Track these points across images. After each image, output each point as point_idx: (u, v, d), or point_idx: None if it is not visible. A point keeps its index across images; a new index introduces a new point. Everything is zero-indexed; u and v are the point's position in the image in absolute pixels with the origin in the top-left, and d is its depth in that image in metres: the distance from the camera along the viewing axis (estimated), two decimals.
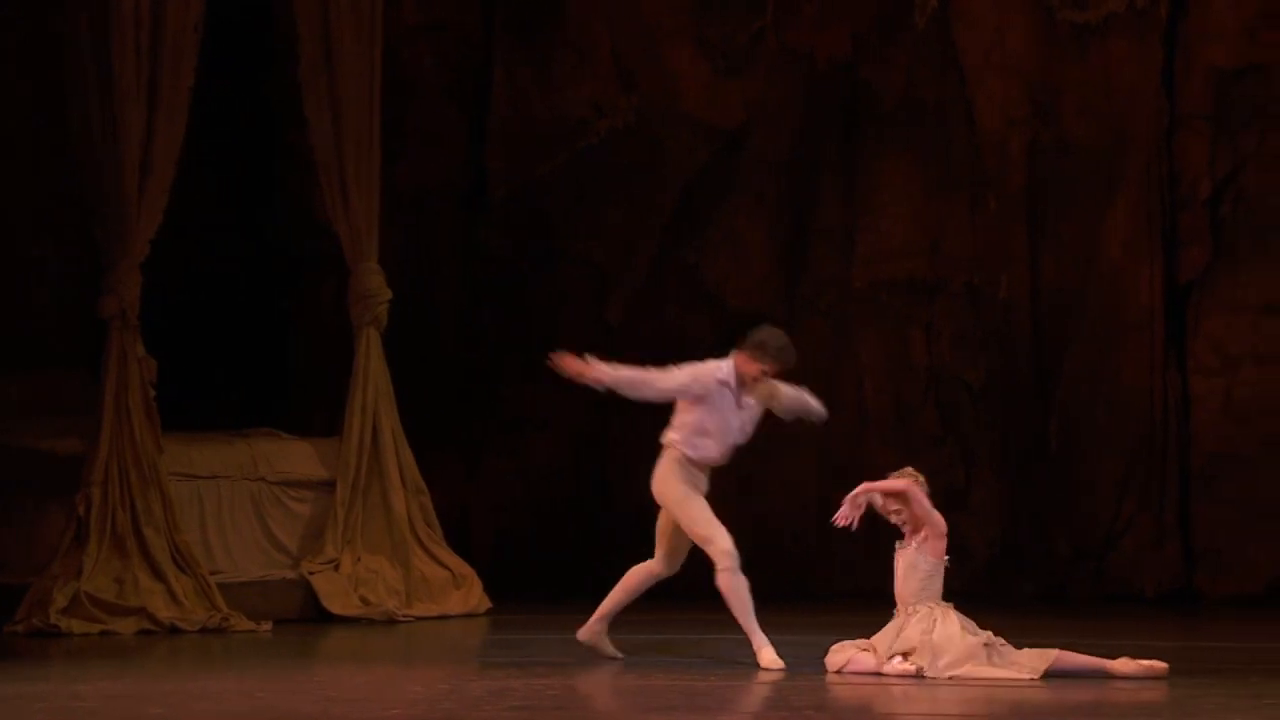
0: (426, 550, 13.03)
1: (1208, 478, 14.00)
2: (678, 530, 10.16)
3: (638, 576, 10.29)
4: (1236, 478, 13.93)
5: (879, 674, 9.56)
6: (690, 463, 10.09)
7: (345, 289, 13.20)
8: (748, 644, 10.01)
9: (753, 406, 10.13)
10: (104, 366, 12.06)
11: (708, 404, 10.04)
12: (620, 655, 10.29)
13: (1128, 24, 14.12)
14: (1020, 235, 14.35)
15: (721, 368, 10.06)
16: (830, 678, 9.63)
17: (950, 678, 9.40)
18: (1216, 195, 14.09)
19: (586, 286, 14.82)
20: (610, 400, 14.62)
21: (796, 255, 14.68)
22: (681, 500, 10.06)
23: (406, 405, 13.22)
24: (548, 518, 14.65)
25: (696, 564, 14.61)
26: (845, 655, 9.72)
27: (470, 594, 13.07)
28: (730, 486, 14.69)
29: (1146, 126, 14.12)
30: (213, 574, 12.14)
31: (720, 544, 9.94)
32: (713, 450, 10.10)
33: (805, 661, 9.92)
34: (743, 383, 10.06)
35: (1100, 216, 14.20)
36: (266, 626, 11.99)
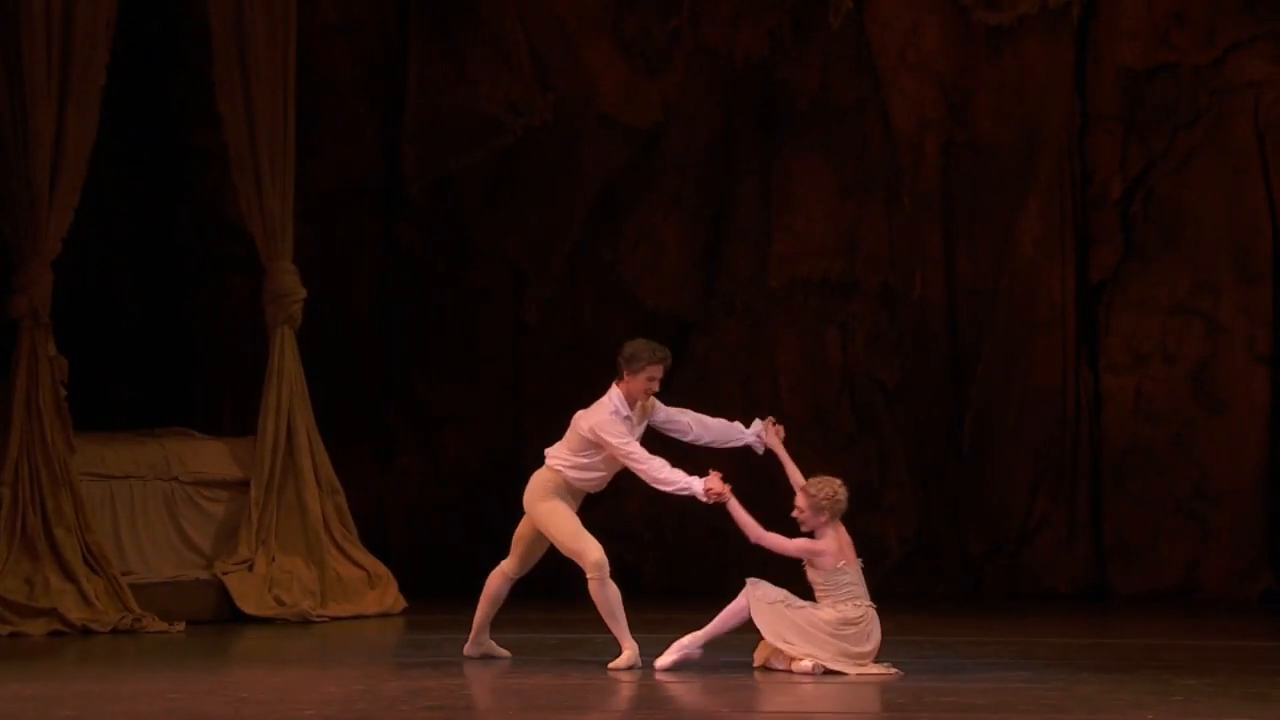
0: (341, 550, 12.98)
1: (1119, 475, 14.12)
2: (538, 539, 10.16)
3: (496, 583, 10.29)
4: (1147, 475, 14.05)
5: (789, 672, 9.63)
6: (568, 485, 10.08)
7: (257, 288, 13.13)
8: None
9: (640, 429, 10.07)
10: (14, 366, 11.95)
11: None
12: (509, 654, 10.30)
13: (1040, 25, 14.21)
14: (935, 235, 14.42)
15: (615, 405, 9.98)
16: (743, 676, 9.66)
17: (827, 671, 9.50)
18: (1127, 195, 14.21)
19: (503, 285, 14.79)
20: (523, 399, 14.71)
21: (713, 254, 14.70)
22: (549, 513, 10.03)
23: (321, 404, 13.16)
24: (462, 516, 14.61)
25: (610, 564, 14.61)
26: (764, 653, 9.79)
27: (385, 594, 13.04)
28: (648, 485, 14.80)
29: (1059, 126, 14.22)
30: (125, 575, 12.05)
31: (590, 556, 9.93)
32: (598, 483, 10.11)
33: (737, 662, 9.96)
34: (634, 403, 10.00)
35: (1013, 216, 14.29)
36: (179, 627, 11.92)
